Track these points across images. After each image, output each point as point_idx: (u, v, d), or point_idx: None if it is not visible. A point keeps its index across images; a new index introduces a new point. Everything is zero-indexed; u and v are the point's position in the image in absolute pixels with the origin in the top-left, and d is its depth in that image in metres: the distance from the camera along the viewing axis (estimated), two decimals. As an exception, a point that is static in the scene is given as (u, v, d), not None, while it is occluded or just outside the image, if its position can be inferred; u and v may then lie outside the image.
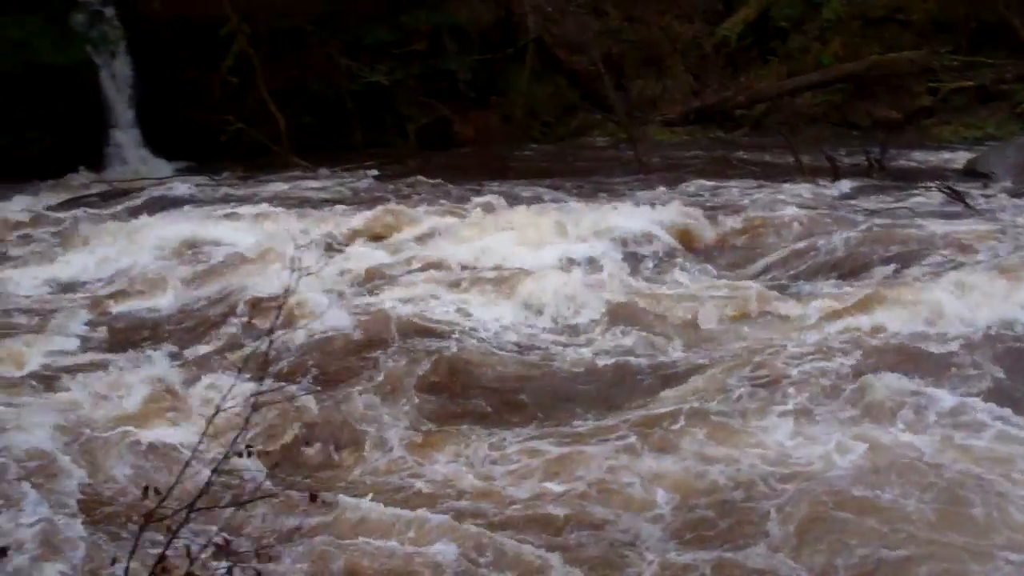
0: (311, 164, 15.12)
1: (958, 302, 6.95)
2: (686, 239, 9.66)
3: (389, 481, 5.22)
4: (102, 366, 6.76)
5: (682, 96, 18.45)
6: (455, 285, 8.30)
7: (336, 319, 7.31)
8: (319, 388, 6.30)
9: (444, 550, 4.38)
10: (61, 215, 11.85)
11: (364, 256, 9.41)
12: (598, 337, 7.18)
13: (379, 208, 10.94)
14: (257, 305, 7.82)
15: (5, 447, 5.32)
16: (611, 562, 4.41)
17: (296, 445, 5.52)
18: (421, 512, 4.71)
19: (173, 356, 6.96)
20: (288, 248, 9.44)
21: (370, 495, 4.93)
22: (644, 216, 9.97)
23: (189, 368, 6.66)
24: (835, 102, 17.48)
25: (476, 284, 8.26)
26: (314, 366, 6.68)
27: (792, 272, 8.64)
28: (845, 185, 12.08)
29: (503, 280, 8.20)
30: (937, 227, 9.34)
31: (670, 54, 18.82)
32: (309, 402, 5.95)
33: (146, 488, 3.41)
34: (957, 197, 10.76)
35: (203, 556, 3.30)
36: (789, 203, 10.70)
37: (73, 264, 9.39)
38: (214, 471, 3.43)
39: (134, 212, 11.72)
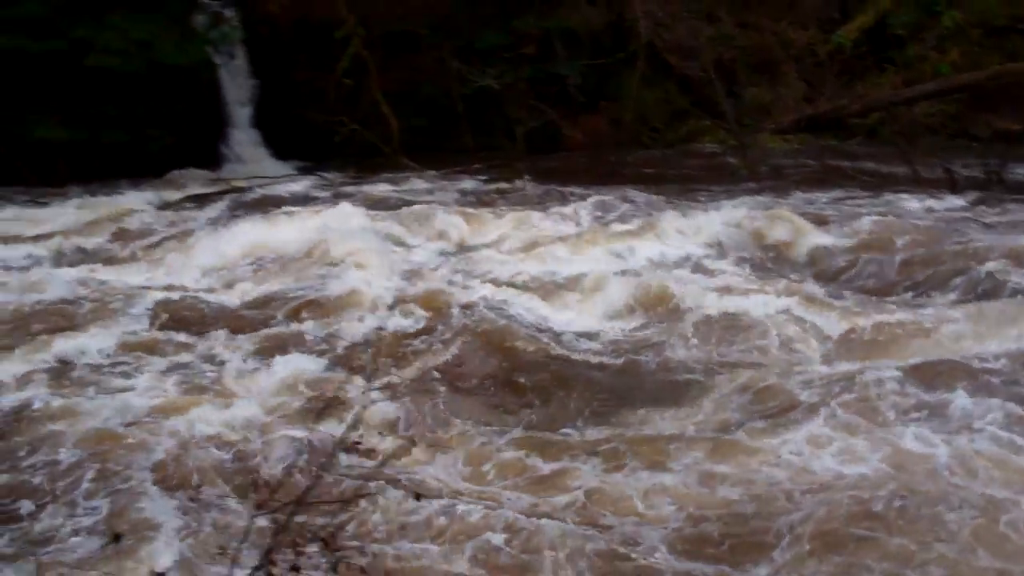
0: (421, 166, 15.29)
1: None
2: (790, 249, 9.48)
3: (493, 483, 5.24)
4: (211, 359, 6.94)
5: (795, 103, 18.13)
6: (560, 290, 8.33)
7: (441, 320, 7.39)
8: (426, 387, 6.35)
9: (549, 555, 4.39)
10: (178, 212, 12.20)
11: (472, 258, 9.50)
12: (694, 344, 7.09)
13: (486, 210, 11.00)
14: (363, 302, 7.95)
15: (120, 437, 5.49)
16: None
17: (401, 443, 5.57)
18: (525, 517, 4.72)
19: (280, 351, 7.05)
20: (395, 248, 9.61)
21: (475, 496, 4.96)
22: (748, 223, 9.84)
23: (295, 363, 6.75)
24: (952, 112, 17.01)
25: (579, 290, 8.28)
26: (421, 366, 6.74)
27: (906, 285, 8.41)
28: (963, 198, 11.74)
29: (604, 286, 8.20)
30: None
31: (783, 60, 18.52)
32: (416, 401, 6.01)
33: (255, 481, 3.48)
34: (1081, 212, 10.39)
35: (309, 550, 3.36)
36: (904, 215, 10.45)
37: (186, 260, 9.62)
38: (321, 467, 3.50)
39: (247, 209, 12.00)
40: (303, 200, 12.71)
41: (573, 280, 8.55)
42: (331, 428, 4.49)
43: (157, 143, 15.79)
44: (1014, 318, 6.92)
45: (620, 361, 6.88)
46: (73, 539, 4.60)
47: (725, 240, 9.55)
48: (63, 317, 7.81)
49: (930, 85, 17.17)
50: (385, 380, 6.27)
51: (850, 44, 18.55)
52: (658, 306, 7.73)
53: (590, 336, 7.39)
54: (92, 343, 7.13)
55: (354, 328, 7.43)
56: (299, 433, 5.41)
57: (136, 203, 12.71)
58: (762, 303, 7.54)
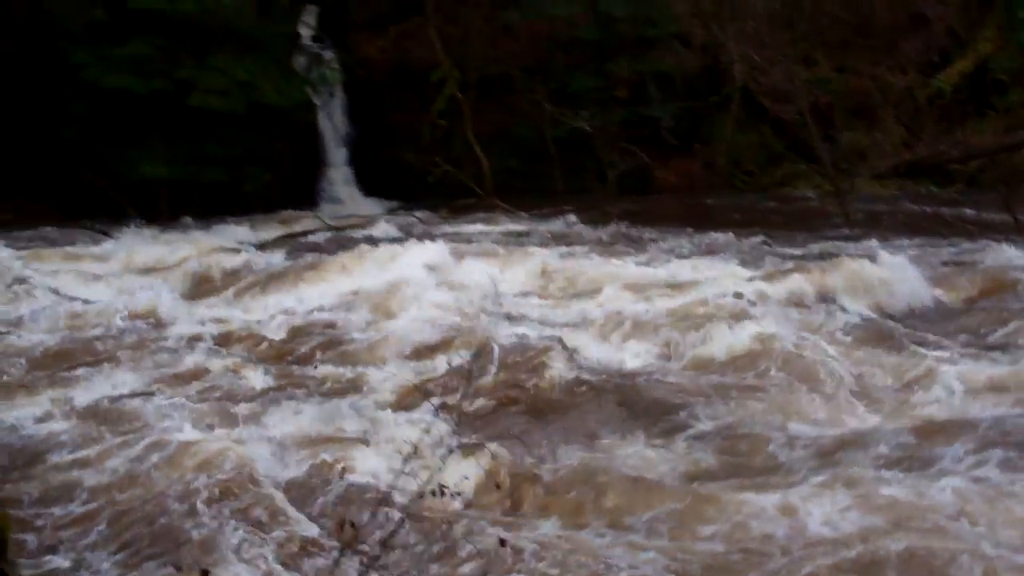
0: (513, 207, 15.38)
1: None
2: (890, 298, 9.32)
3: (583, 529, 5.17)
4: (303, 398, 7.01)
5: (892, 149, 17.85)
6: (649, 331, 8.27)
7: (528, 364, 7.37)
8: (513, 431, 6.33)
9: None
10: (274, 251, 12.39)
11: (561, 301, 9.50)
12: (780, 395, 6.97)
13: (577, 251, 11.00)
14: (452, 344, 7.98)
15: (210, 473, 5.55)
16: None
17: (487, 488, 5.54)
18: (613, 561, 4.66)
19: (370, 391, 7.11)
20: (484, 289, 9.63)
21: (561, 543, 4.91)
22: (841, 272, 9.68)
23: (385, 404, 6.80)
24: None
25: (668, 331, 8.21)
26: (508, 409, 6.74)
27: (1002, 336, 8.20)
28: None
29: (696, 329, 8.13)
30: None
31: (881, 105, 18.27)
32: (504, 445, 5.99)
33: (342, 521, 3.50)
34: None
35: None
36: (1006, 265, 10.21)
37: (281, 297, 9.78)
38: (407, 510, 3.52)
39: (339, 247, 12.14)
40: (395, 239, 12.85)
41: (668, 325, 8.46)
42: (416, 470, 4.50)
43: (255, 181, 16.14)
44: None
45: (730, 407, 6.76)
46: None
47: (815, 287, 9.41)
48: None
49: (1033, 132, 16.80)
50: (472, 423, 6.27)
51: (950, 89, 18.26)
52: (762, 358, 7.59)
53: (695, 385, 7.28)
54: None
55: (441, 369, 7.46)
56: (383, 474, 5.44)
57: (231, 240, 12.98)
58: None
